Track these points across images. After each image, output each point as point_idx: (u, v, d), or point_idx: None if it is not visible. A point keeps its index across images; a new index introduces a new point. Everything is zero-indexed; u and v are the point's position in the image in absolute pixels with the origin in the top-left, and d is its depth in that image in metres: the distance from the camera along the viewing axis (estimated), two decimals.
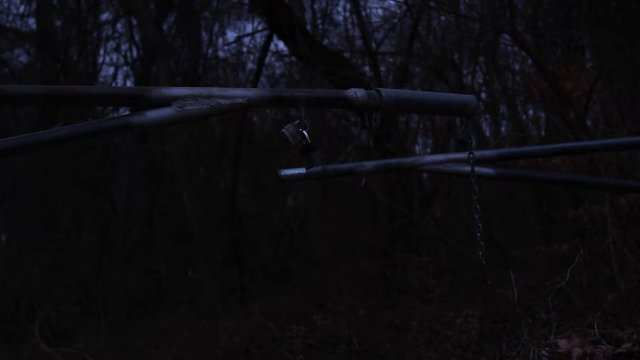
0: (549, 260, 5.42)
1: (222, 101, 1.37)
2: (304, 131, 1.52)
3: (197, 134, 10.82)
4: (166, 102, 1.35)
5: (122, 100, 1.41)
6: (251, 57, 11.89)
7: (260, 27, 11.33)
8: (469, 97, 1.84)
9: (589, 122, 5.64)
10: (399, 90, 1.67)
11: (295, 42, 6.98)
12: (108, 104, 1.44)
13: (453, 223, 9.10)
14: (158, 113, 1.34)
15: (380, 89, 1.60)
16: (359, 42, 10.20)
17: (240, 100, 1.40)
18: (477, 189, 1.98)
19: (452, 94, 1.90)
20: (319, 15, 11.32)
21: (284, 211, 11.38)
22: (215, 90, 1.39)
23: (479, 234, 1.94)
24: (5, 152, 1.18)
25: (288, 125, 1.52)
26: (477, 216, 1.96)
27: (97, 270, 10.11)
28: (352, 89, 1.57)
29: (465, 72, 10.02)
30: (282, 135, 1.52)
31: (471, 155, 1.99)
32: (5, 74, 11.30)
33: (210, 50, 11.81)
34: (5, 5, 11.37)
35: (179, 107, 1.33)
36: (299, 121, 1.52)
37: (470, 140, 1.92)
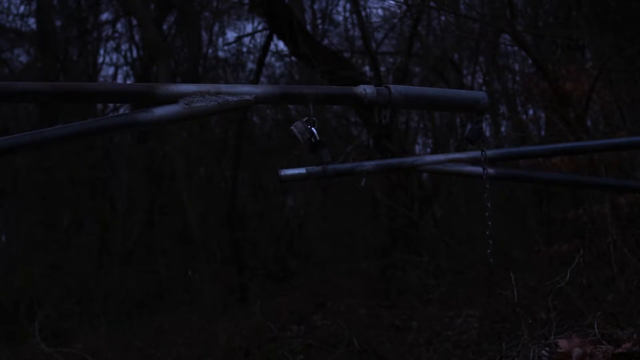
0: (549, 260, 5.42)
1: (230, 98, 1.37)
2: (312, 128, 1.50)
3: (197, 134, 10.82)
4: (173, 99, 1.34)
5: (129, 97, 1.40)
6: (251, 57, 11.91)
7: (260, 27, 11.35)
8: (480, 94, 1.82)
9: (589, 122, 5.65)
10: (409, 86, 1.65)
11: (295, 42, 6.99)
12: (115, 100, 1.42)
13: (453, 223, 9.11)
14: (165, 110, 1.33)
15: (389, 85, 1.59)
16: (359, 42, 10.20)
17: (247, 97, 1.39)
18: (488, 186, 1.96)
19: (463, 91, 1.88)
20: (319, 15, 11.34)
21: (284, 211, 11.38)
22: (223, 87, 1.37)
23: (488, 232, 1.94)
24: (12, 150, 1.18)
25: (296, 122, 1.50)
26: (487, 214, 1.95)
27: (97, 270, 10.10)
28: (362, 85, 1.56)
29: (465, 72, 10.04)
30: (289, 132, 1.51)
31: (484, 152, 1.97)
32: (5, 74, 11.29)
33: (210, 50, 11.83)
34: (5, 5, 11.37)
35: (186, 104, 1.33)
36: (307, 118, 1.51)
37: (481, 137, 1.90)
